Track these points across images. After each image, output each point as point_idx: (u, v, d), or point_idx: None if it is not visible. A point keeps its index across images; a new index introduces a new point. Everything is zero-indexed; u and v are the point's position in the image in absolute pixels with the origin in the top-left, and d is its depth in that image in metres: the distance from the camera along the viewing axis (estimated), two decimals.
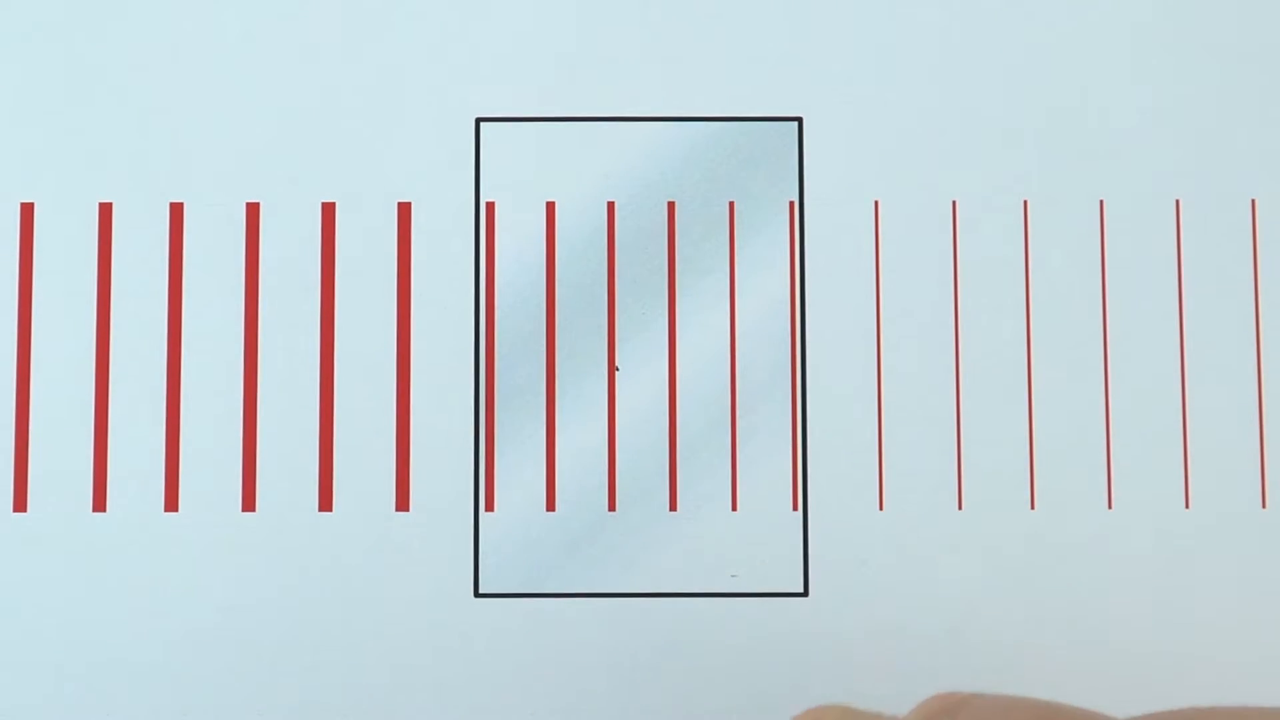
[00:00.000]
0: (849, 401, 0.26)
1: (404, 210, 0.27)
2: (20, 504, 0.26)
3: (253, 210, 0.27)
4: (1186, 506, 0.26)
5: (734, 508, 0.26)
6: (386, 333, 0.26)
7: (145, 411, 0.26)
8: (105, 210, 0.27)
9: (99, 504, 0.26)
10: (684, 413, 0.26)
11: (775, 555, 0.26)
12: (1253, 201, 0.27)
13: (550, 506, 0.26)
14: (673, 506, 0.26)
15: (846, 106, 0.27)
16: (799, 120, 0.27)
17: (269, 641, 0.26)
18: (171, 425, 0.26)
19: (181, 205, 0.27)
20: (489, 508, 0.26)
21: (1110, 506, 0.26)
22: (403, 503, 0.26)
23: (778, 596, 0.26)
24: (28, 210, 0.27)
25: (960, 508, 0.26)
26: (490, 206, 0.27)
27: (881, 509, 0.26)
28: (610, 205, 0.27)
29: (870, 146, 0.27)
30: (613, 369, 0.27)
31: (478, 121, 0.27)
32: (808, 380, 0.27)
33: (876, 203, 0.27)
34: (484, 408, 0.26)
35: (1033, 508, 0.26)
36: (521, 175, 0.27)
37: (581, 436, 0.26)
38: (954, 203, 0.27)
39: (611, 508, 0.26)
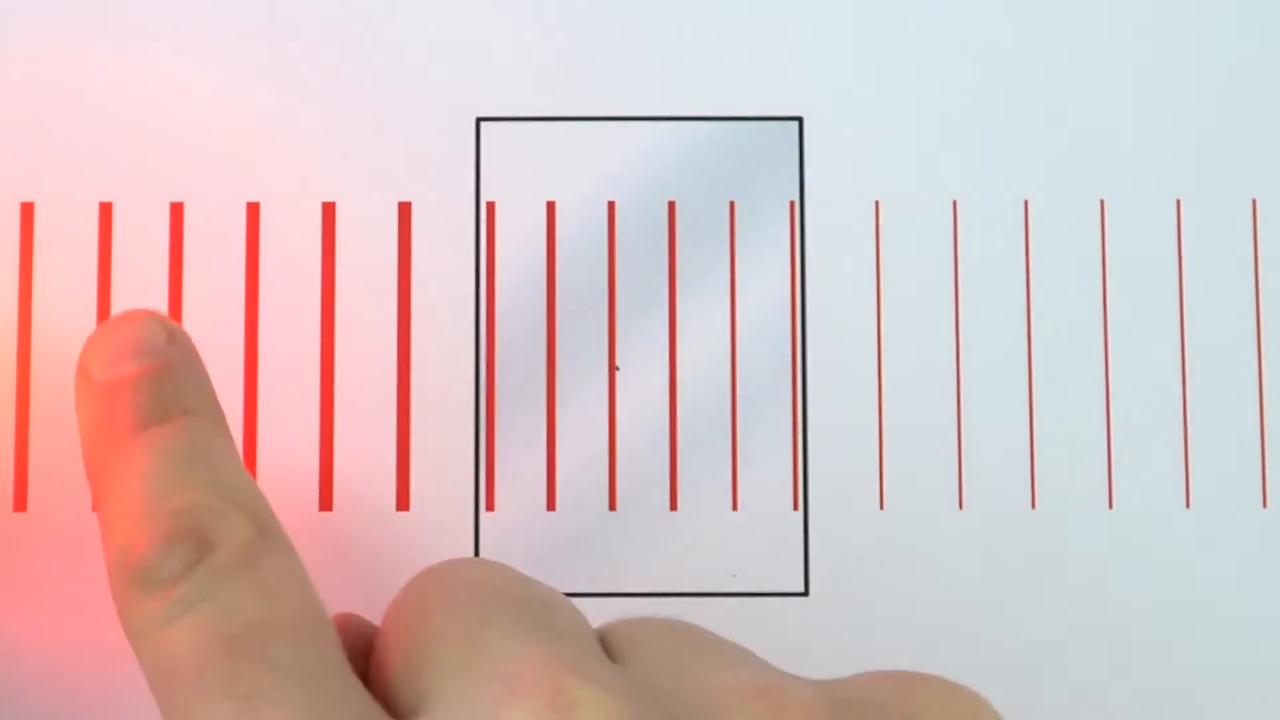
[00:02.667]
0: (849, 401, 0.26)
1: (404, 210, 0.27)
2: (20, 504, 0.26)
3: (253, 210, 0.27)
4: (1187, 506, 0.26)
5: (734, 508, 0.26)
6: (386, 333, 0.26)
7: None
8: (105, 210, 0.27)
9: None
10: (684, 413, 0.26)
11: (775, 555, 0.26)
12: (1253, 201, 0.27)
13: (550, 506, 0.26)
14: (673, 506, 0.26)
15: (846, 106, 0.27)
16: (799, 120, 0.27)
17: None
18: None
19: (181, 205, 0.27)
20: (489, 508, 0.26)
21: (1110, 506, 0.26)
22: (403, 503, 0.26)
23: (778, 596, 0.26)
24: (28, 210, 0.27)
25: (960, 508, 0.26)
26: (490, 206, 0.27)
27: (881, 509, 0.26)
28: (610, 205, 0.27)
29: (870, 146, 0.27)
30: (613, 369, 0.27)
31: (478, 121, 0.27)
32: (808, 380, 0.27)
33: (876, 203, 0.27)
34: (484, 408, 0.26)
35: (1033, 507, 0.26)
36: (521, 175, 0.27)
37: (581, 436, 0.26)
38: (954, 203, 0.27)
39: (612, 508, 0.26)
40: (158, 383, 0.22)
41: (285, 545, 0.20)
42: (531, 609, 0.19)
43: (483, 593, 0.19)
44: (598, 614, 0.26)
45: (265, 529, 0.20)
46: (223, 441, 0.22)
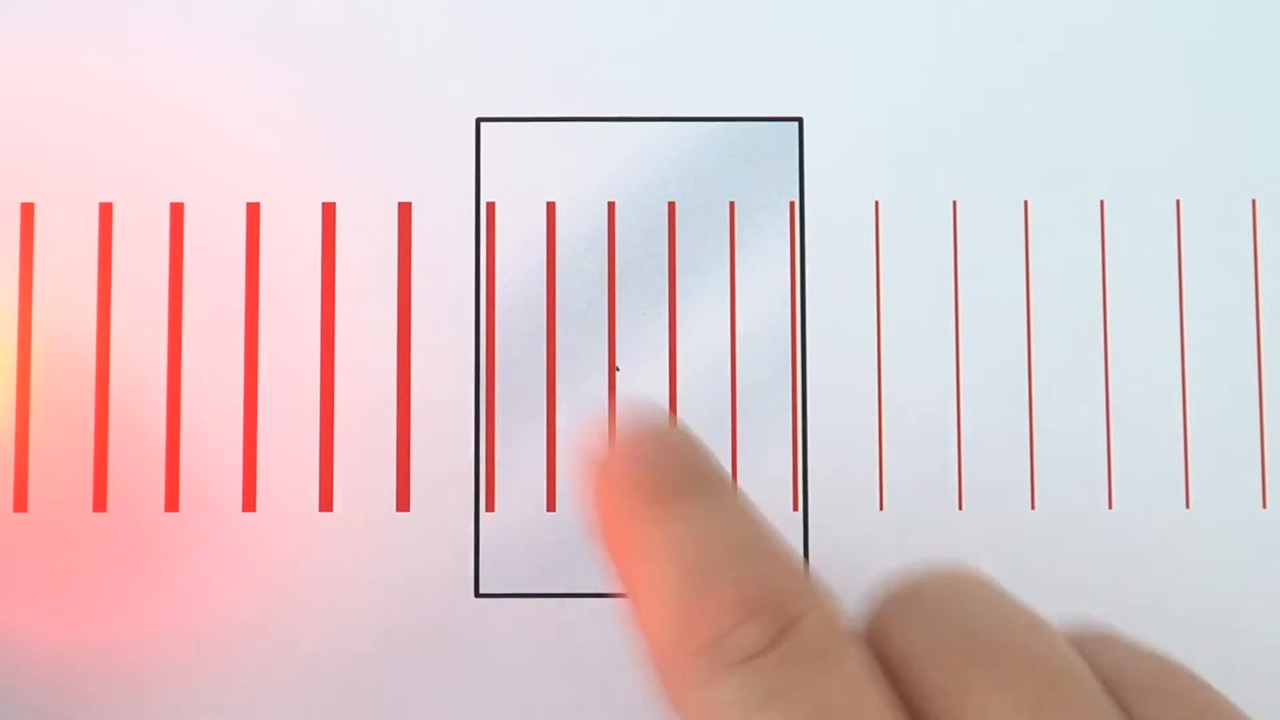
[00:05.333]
0: (849, 401, 0.26)
1: (404, 210, 0.27)
2: (20, 504, 0.26)
3: (253, 210, 0.27)
4: (1186, 506, 0.26)
5: None
6: (386, 333, 0.26)
7: (145, 411, 0.26)
8: (105, 210, 0.27)
9: (100, 504, 0.26)
10: (684, 413, 0.26)
11: None
12: (1253, 201, 0.27)
13: (550, 506, 0.26)
14: None
15: (846, 106, 0.27)
16: (799, 120, 0.27)
17: (268, 641, 0.26)
18: (171, 425, 0.26)
19: (181, 205, 0.27)
20: (489, 508, 0.26)
21: (1110, 506, 0.26)
22: (403, 503, 0.26)
23: None
24: (28, 210, 0.27)
25: (960, 508, 0.26)
26: (490, 206, 0.27)
27: (881, 509, 0.26)
28: (610, 205, 0.27)
29: (870, 146, 0.27)
30: (613, 369, 0.27)
31: (478, 121, 0.27)
32: (808, 380, 0.27)
33: (876, 203, 0.27)
34: (484, 408, 0.26)
35: (1033, 508, 0.26)
36: (521, 175, 0.27)
37: (582, 436, 0.26)
38: (954, 203, 0.27)
39: None
40: (685, 450, 0.19)
41: (856, 635, 0.18)
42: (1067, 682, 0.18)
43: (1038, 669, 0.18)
44: (598, 614, 0.26)
45: (840, 615, 0.18)
46: (765, 519, 0.19)
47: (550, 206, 0.27)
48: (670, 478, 0.19)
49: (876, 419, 0.26)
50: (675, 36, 0.27)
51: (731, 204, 0.27)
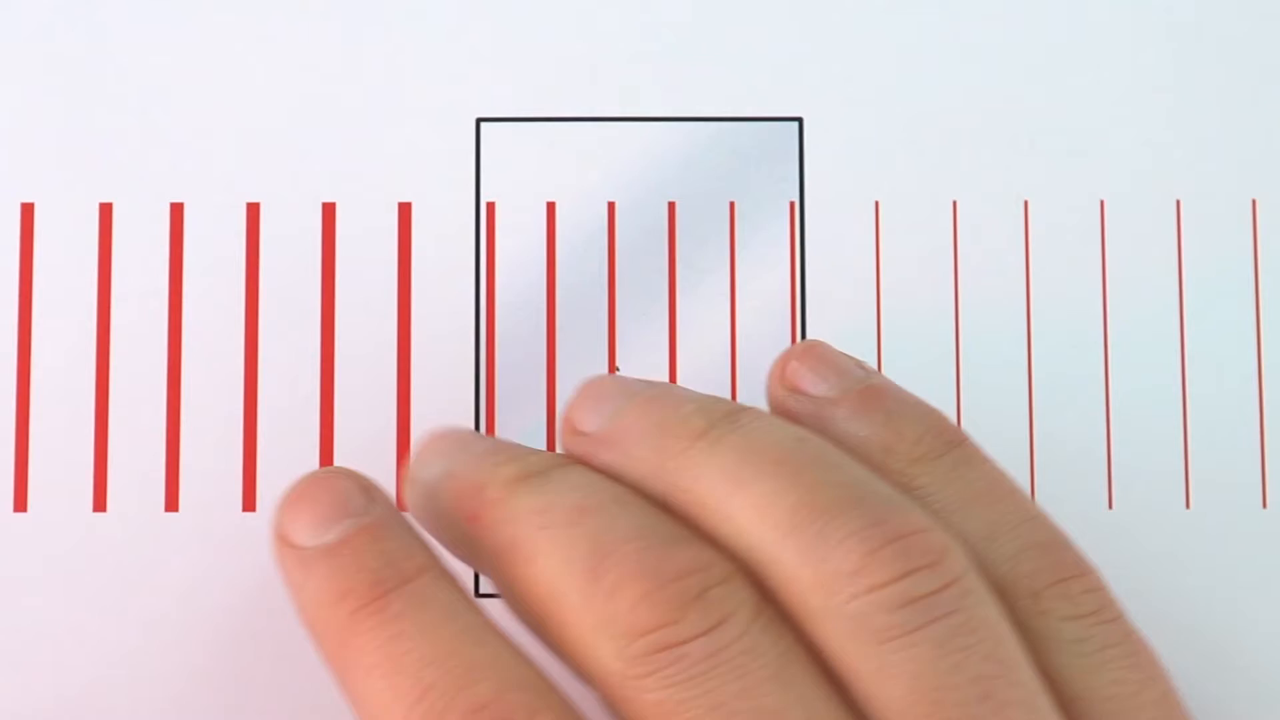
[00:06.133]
0: None
1: (404, 210, 0.27)
2: (20, 504, 0.26)
3: (253, 210, 0.27)
4: (1186, 506, 0.26)
5: None
6: (386, 333, 0.26)
7: (145, 411, 0.26)
8: (105, 210, 0.27)
9: (99, 504, 0.26)
10: None
11: None
12: (1253, 201, 0.27)
13: None
14: None
15: (846, 106, 0.27)
16: (799, 120, 0.27)
17: (269, 642, 0.26)
18: (172, 425, 0.26)
19: (182, 205, 0.27)
20: None
21: (1110, 506, 0.26)
22: (403, 503, 0.26)
23: None
24: (28, 210, 0.27)
25: None
26: (490, 206, 0.27)
27: None
28: (610, 205, 0.27)
29: (870, 146, 0.27)
30: (613, 369, 0.27)
31: (478, 121, 0.27)
32: None
33: (876, 203, 0.27)
34: (484, 408, 0.26)
35: None
36: (521, 175, 0.27)
37: None
38: (954, 203, 0.27)
39: None
40: (380, 541, 0.20)
41: None
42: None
43: None
44: None
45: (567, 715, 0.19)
46: (466, 601, 0.20)
47: (550, 206, 0.27)
48: (377, 567, 0.20)
49: None
50: (675, 37, 0.27)
51: (731, 204, 0.27)
